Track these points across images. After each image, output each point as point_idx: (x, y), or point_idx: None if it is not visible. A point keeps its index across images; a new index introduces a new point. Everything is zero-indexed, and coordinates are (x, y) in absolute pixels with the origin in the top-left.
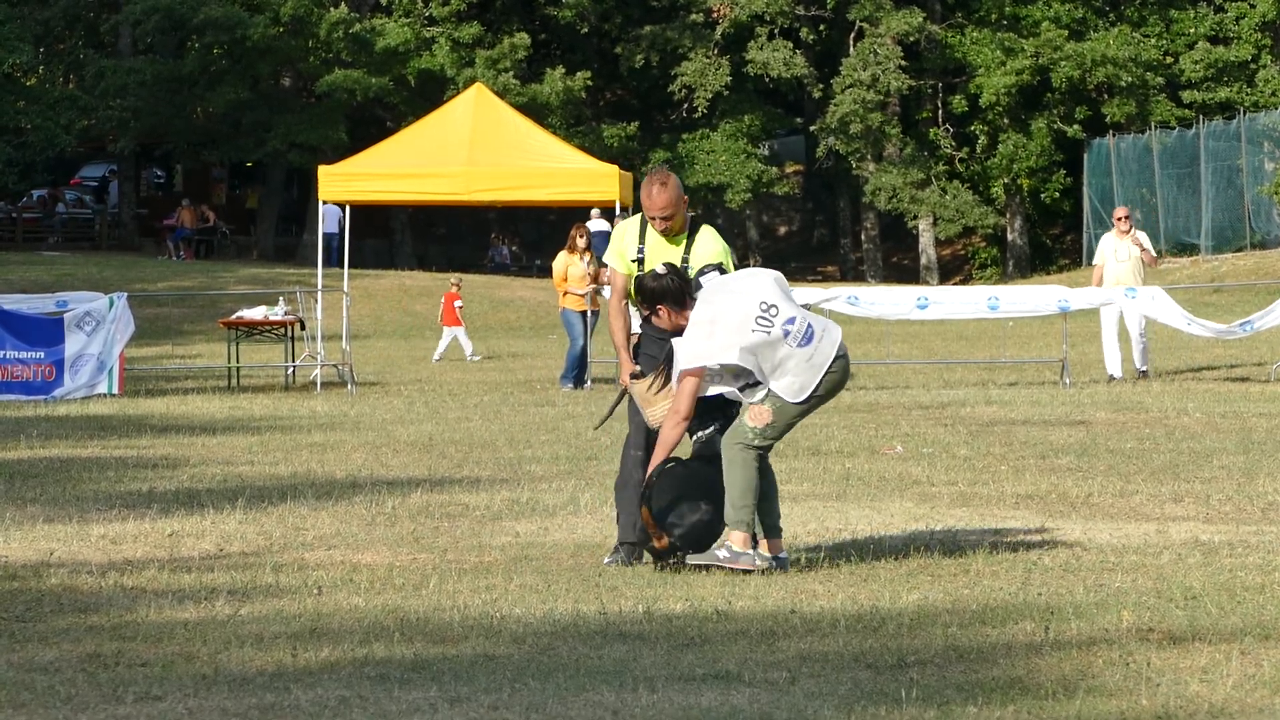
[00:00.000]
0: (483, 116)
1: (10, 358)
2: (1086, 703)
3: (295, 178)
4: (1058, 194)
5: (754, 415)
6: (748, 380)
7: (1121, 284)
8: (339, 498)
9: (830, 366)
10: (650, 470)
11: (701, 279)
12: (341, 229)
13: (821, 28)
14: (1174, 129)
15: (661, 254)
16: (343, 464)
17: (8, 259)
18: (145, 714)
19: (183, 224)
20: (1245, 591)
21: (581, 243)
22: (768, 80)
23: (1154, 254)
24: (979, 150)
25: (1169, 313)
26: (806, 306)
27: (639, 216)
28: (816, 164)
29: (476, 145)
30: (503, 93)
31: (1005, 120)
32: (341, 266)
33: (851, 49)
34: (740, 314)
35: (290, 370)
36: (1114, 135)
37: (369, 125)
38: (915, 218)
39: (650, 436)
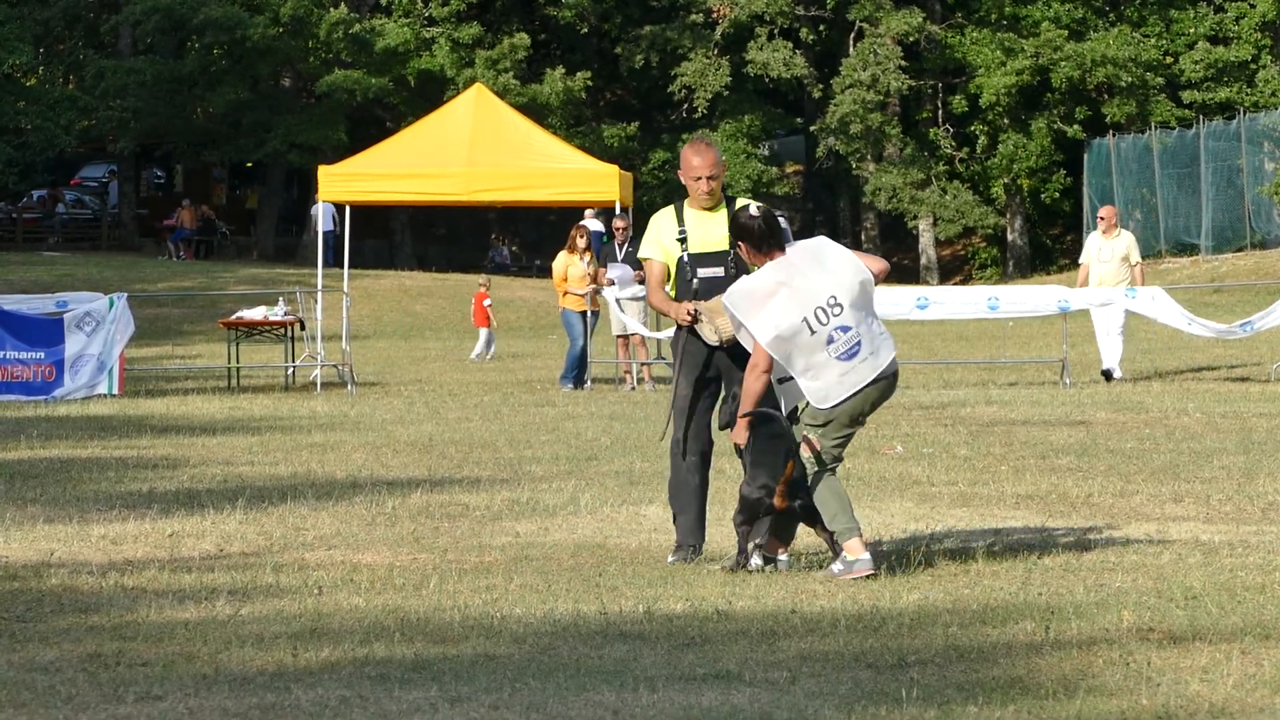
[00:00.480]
0: (483, 117)
1: (10, 358)
2: (1087, 702)
3: (295, 178)
4: (1058, 194)
5: (805, 449)
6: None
7: (1105, 283)
8: (339, 498)
9: (866, 383)
10: (740, 411)
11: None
12: (337, 226)
13: (821, 28)
14: (1174, 129)
15: (704, 230)
16: (343, 464)
17: (8, 259)
18: (146, 714)
19: (183, 224)
20: (1245, 591)
21: (582, 243)
22: (768, 80)
23: (1139, 261)
24: (979, 150)
25: (1169, 313)
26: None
27: (671, 206)
28: (816, 164)
29: (476, 146)
30: (503, 93)
31: (1005, 120)
32: (339, 265)
33: (851, 49)
34: (807, 295)
35: (290, 371)
36: (1114, 135)
37: (369, 125)
38: (915, 218)
39: (705, 443)
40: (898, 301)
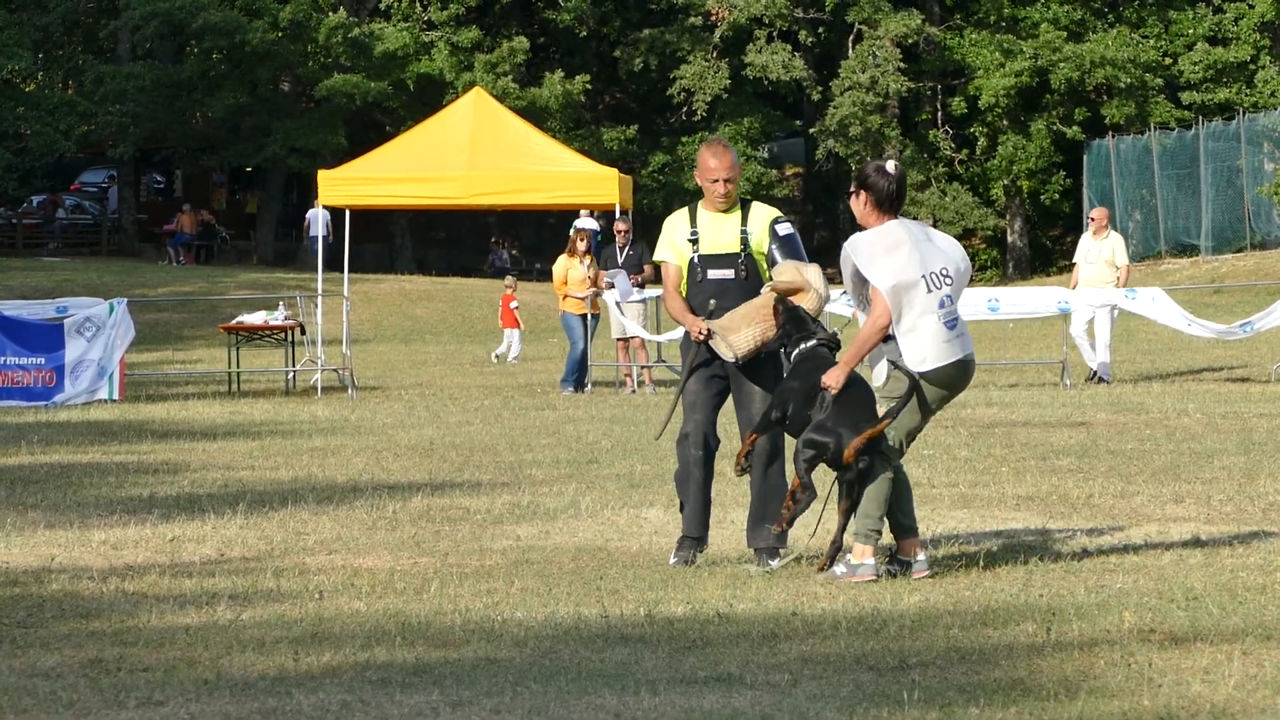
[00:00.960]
0: (482, 120)
1: (11, 364)
2: (1088, 704)
3: (295, 182)
4: (1057, 195)
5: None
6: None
7: (1091, 285)
8: (340, 502)
9: (957, 358)
10: (837, 377)
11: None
12: (330, 233)
13: (820, 30)
14: (1173, 130)
15: (718, 230)
16: (343, 468)
17: (8, 265)
18: (147, 719)
19: (183, 229)
20: (1247, 592)
21: (582, 246)
22: (767, 83)
23: (1125, 263)
24: (978, 152)
25: (1169, 314)
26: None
27: (685, 209)
28: (816, 166)
29: (476, 149)
30: (502, 96)
31: (1004, 122)
32: (338, 270)
33: (850, 51)
34: (925, 257)
35: (291, 375)
36: (1113, 136)
37: (368, 130)
38: (915, 219)
39: (710, 437)
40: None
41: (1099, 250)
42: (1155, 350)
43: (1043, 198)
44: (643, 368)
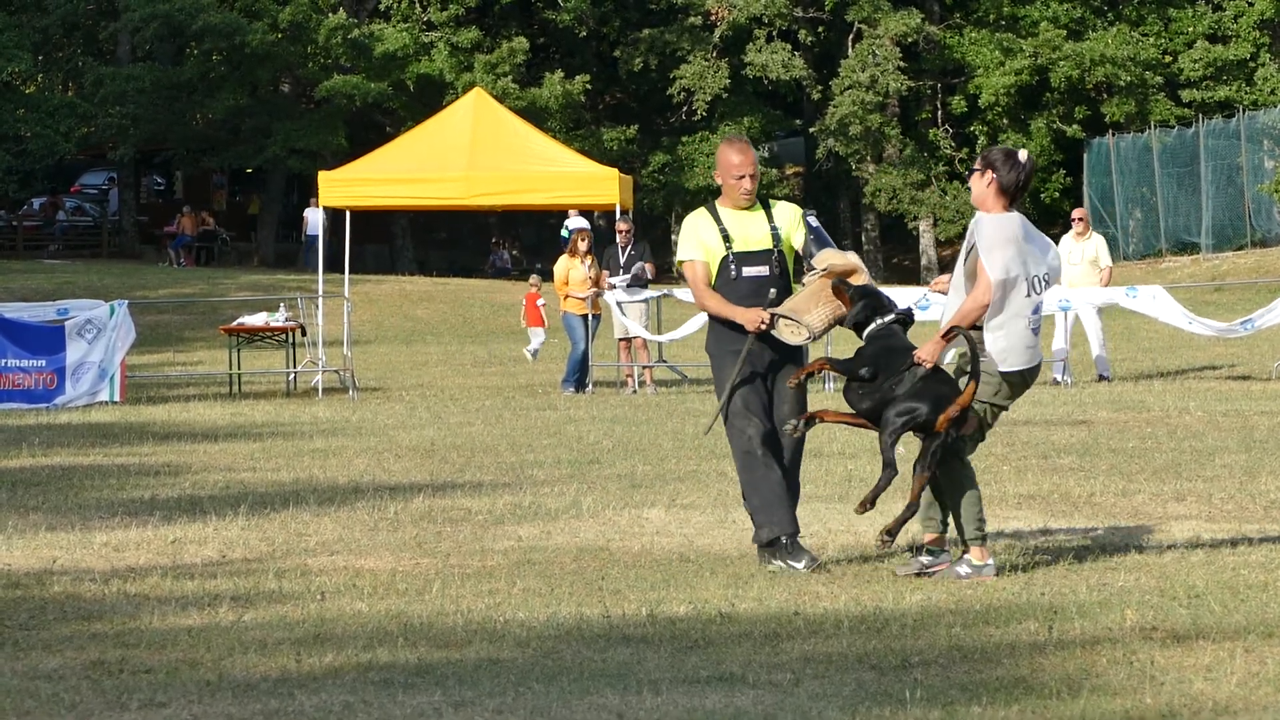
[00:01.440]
0: (482, 121)
1: (11, 366)
2: (1091, 702)
3: (295, 184)
4: (1058, 194)
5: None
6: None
7: (1075, 286)
8: (341, 503)
9: (1032, 365)
10: (932, 351)
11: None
12: (325, 232)
13: (820, 29)
14: (1173, 128)
15: (744, 229)
16: (345, 469)
17: (9, 267)
18: None
19: (184, 231)
20: (1248, 590)
21: (583, 246)
22: (767, 82)
23: (1109, 264)
24: (979, 150)
25: (1170, 312)
26: None
27: (702, 209)
28: (816, 166)
29: (476, 149)
30: (502, 97)
31: (1004, 120)
32: (339, 271)
33: (850, 50)
34: (1032, 260)
35: (292, 376)
36: (1113, 135)
37: (368, 130)
38: (915, 218)
39: (774, 437)
40: (899, 302)
41: (1081, 251)
42: (1156, 348)
43: (1043, 196)
44: (644, 368)
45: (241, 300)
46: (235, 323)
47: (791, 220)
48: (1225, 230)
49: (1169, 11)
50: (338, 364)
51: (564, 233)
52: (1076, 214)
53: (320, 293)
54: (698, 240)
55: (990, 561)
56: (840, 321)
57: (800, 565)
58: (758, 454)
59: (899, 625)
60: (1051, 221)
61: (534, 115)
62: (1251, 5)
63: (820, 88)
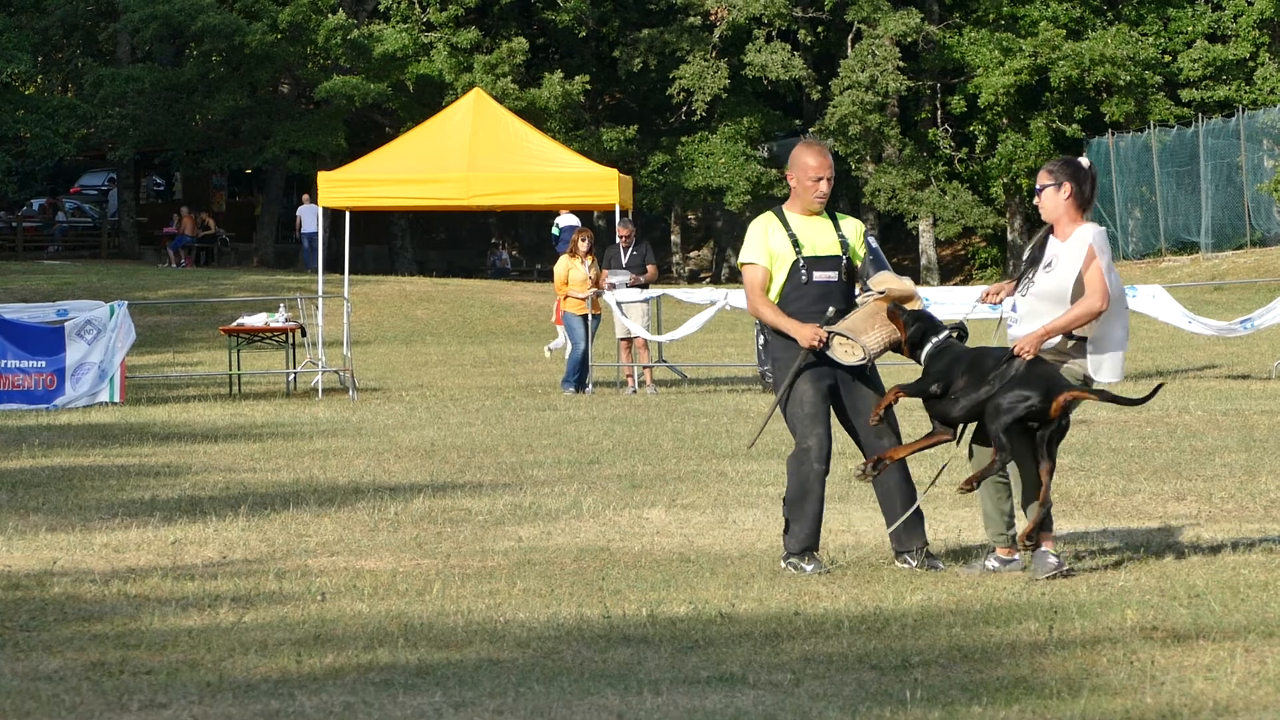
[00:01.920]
0: (482, 121)
1: (11, 367)
2: (1091, 701)
3: (295, 184)
4: None
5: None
6: None
7: None
8: (341, 504)
9: (1116, 380)
10: (1032, 343)
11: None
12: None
13: (819, 29)
14: (1173, 127)
15: (813, 235)
16: (345, 470)
17: (8, 268)
18: None
19: (184, 232)
20: (1249, 589)
21: (583, 246)
22: (766, 82)
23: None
24: (978, 150)
25: (1169, 311)
26: None
27: (769, 213)
28: None
29: (476, 150)
30: (501, 97)
31: (1004, 120)
32: (339, 272)
33: (849, 50)
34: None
35: (291, 377)
36: (1113, 134)
37: (368, 131)
38: (915, 218)
39: (830, 452)
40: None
41: None
42: (1156, 348)
43: None
44: (644, 368)
45: (241, 301)
46: (235, 323)
47: (857, 234)
48: (1225, 230)
49: (1168, 11)
50: (338, 364)
51: (554, 230)
52: None
53: (320, 293)
54: (763, 245)
55: (1016, 558)
56: (895, 346)
57: (809, 569)
58: (814, 466)
59: (899, 625)
60: None
61: (533, 116)
62: (1251, 4)
63: (820, 88)
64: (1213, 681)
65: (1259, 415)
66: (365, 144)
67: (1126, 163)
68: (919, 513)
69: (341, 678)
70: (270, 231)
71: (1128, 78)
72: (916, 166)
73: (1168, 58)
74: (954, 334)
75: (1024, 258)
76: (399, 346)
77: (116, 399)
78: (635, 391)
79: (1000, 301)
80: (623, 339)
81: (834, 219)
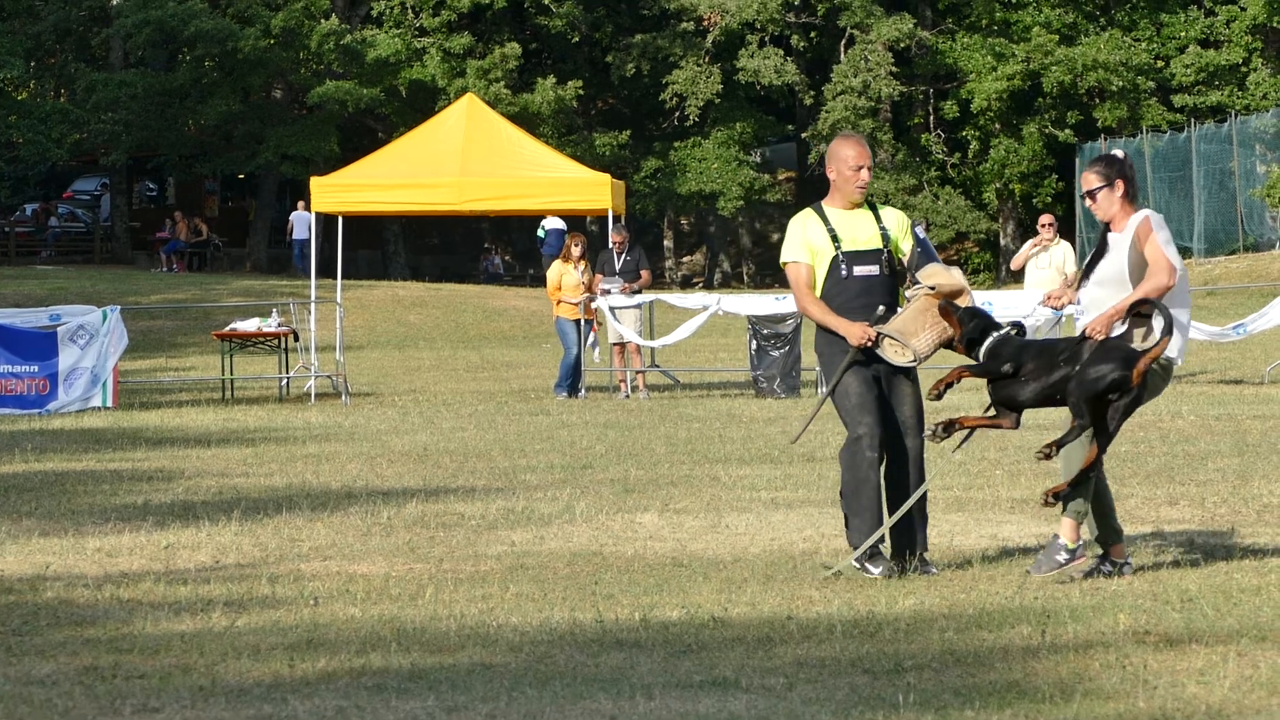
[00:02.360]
0: (474, 126)
1: (4, 372)
2: (1084, 705)
3: (288, 189)
4: (1050, 198)
5: None
6: None
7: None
8: (334, 508)
9: (1179, 360)
10: (1103, 324)
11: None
12: (310, 233)
13: (812, 34)
14: (1165, 133)
15: (852, 229)
16: (338, 475)
17: (1, 273)
18: None
19: (178, 236)
20: (1241, 594)
21: (576, 251)
22: (759, 88)
23: (1074, 270)
24: (971, 155)
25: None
26: (799, 314)
27: (808, 210)
28: (809, 171)
29: (469, 155)
30: (494, 102)
31: (997, 125)
32: (331, 277)
33: (842, 56)
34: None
35: (284, 382)
36: (1105, 139)
37: (361, 136)
38: None
39: (884, 439)
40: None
41: (1049, 258)
42: None
43: (1035, 201)
44: (637, 373)
45: (234, 306)
46: (228, 328)
47: (900, 226)
48: (1217, 235)
49: (1161, 16)
50: (330, 369)
51: (540, 233)
52: (1044, 220)
53: (313, 298)
54: (803, 241)
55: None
56: (947, 344)
57: (877, 571)
58: (865, 455)
59: (892, 630)
60: None
61: (526, 121)
62: (1244, 10)
63: (812, 93)
64: (1205, 686)
65: (1252, 420)
66: (358, 149)
67: None
68: (925, 516)
69: (334, 682)
70: (263, 236)
71: (1120, 83)
72: (909, 172)
73: (1160, 63)
74: (1013, 330)
75: (1086, 261)
76: (392, 351)
77: (109, 404)
78: (628, 396)
79: (1061, 306)
80: (615, 344)
81: (874, 210)
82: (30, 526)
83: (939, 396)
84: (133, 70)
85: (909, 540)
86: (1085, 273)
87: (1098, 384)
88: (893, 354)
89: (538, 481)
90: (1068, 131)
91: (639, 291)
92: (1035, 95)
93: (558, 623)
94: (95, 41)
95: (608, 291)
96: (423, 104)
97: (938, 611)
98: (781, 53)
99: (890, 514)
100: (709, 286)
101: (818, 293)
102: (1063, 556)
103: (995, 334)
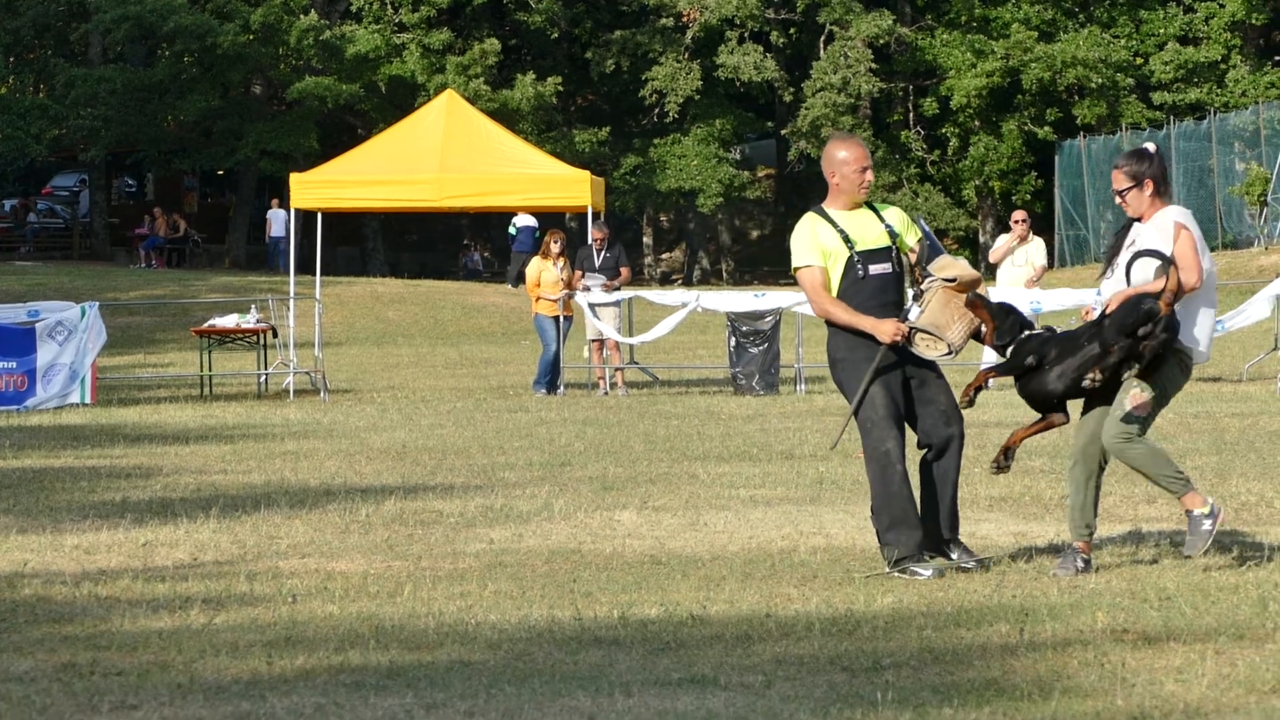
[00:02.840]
0: (454, 123)
1: None
2: (1062, 703)
3: (267, 185)
4: (1029, 196)
5: (1136, 403)
6: None
7: (1015, 288)
8: (313, 506)
9: (1203, 358)
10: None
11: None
12: (287, 232)
13: (792, 31)
14: (1145, 130)
15: (861, 229)
16: (316, 472)
17: None
18: None
19: (157, 232)
20: (1219, 592)
21: (556, 248)
22: (738, 84)
23: (1042, 264)
24: (950, 153)
25: None
26: (779, 310)
27: (811, 213)
28: (788, 167)
29: (448, 151)
30: (473, 99)
31: (976, 122)
32: (310, 273)
33: (822, 52)
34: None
35: (263, 378)
36: (1085, 137)
37: (340, 132)
38: None
39: (929, 432)
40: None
41: (1024, 253)
42: None
43: (1014, 198)
44: (616, 370)
45: (212, 302)
46: (206, 324)
47: (903, 221)
48: None
49: (1140, 13)
50: (309, 366)
51: (511, 230)
52: (1017, 216)
53: (292, 294)
54: (815, 245)
55: (1210, 504)
56: (976, 335)
57: (926, 573)
58: (896, 468)
59: (870, 627)
60: None
61: (505, 117)
62: (1222, 7)
63: (792, 90)
64: (1183, 684)
65: (1230, 419)
66: (337, 145)
67: (1098, 165)
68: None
69: (312, 679)
70: (242, 233)
71: (1099, 80)
72: (889, 169)
73: (1139, 60)
74: (1045, 331)
75: (1105, 249)
76: (370, 348)
77: (88, 400)
78: (607, 393)
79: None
80: (594, 340)
81: (874, 210)
82: (8, 523)
83: (971, 403)
84: (112, 66)
85: (952, 530)
86: (1106, 264)
87: (1129, 318)
88: (925, 348)
89: (516, 479)
90: (1047, 129)
91: (620, 288)
92: (1014, 92)
93: (536, 620)
94: (74, 37)
95: (588, 289)
96: (402, 100)
97: (916, 610)
98: (761, 49)
99: (934, 506)
100: (688, 283)
101: (834, 295)
102: (1207, 525)
103: (1028, 334)
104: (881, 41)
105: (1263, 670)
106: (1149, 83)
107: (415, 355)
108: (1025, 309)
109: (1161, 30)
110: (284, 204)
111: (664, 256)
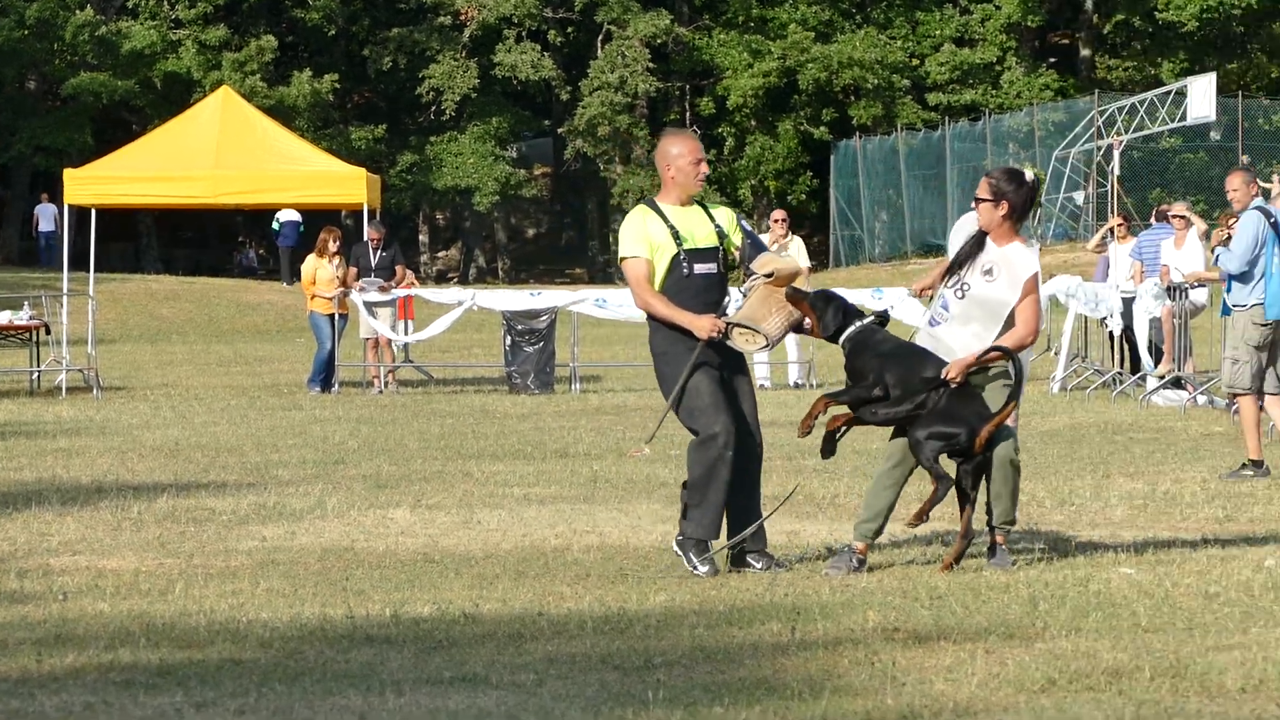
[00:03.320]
0: (229, 119)
1: None
2: (832, 702)
3: (40, 181)
4: (804, 196)
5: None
6: None
7: None
8: (84, 503)
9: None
10: (961, 369)
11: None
12: (57, 227)
13: (569, 30)
14: (920, 131)
15: (691, 227)
16: (88, 469)
17: None
18: None
19: None
20: (990, 591)
21: (332, 246)
22: (516, 83)
23: (806, 266)
24: (726, 152)
25: (914, 314)
26: (554, 309)
27: (642, 205)
28: (565, 166)
29: (223, 148)
30: (250, 95)
31: (752, 122)
32: (84, 269)
33: (599, 51)
34: None
35: (35, 375)
36: (860, 137)
37: (115, 128)
38: None
39: (741, 436)
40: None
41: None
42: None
43: (790, 198)
44: (390, 369)
45: None
46: None
47: (730, 222)
48: None
49: (917, 15)
50: (82, 363)
51: (274, 225)
52: (776, 215)
53: (65, 291)
54: (644, 237)
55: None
56: (796, 328)
57: (703, 570)
58: (724, 453)
59: (643, 626)
60: (798, 224)
61: (282, 114)
62: (998, 9)
63: (569, 88)
64: (953, 683)
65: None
66: (112, 141)
67: (874, 166)
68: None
69: (83, 677)
70: (15, 229)
71: (875, 81)
72: None
73: (915, 61)
74: (874, 320)
75: (954, 254)
76: (144, 345)
77: None
78: (381, 392)
79: (933, 297)
80: (367, 338)
81: (705, 209)
82: None
83: (809, 432)
84: None
85: (759, 539)
86: (951, 271)
87: (933, 446)
88: (743, 342)
89: (289, 477)
90: (823, 129)
91: (398, 286)
92: (791, 93)
93: (308, 618)
94: None
95: (364, 289)
96: (178, 96)
97: (688, 608)
98: (539, 48)
99: (738, 508)
100: (464, 282)
101: (656, 289)
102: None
103: (858, 323)
104: (659, 41)
105: (1032, 669)
106: (925, 84)
107: (189, 353)
108: None
109: (938, 32)
110: (54, 199)
111: (440, 255)
